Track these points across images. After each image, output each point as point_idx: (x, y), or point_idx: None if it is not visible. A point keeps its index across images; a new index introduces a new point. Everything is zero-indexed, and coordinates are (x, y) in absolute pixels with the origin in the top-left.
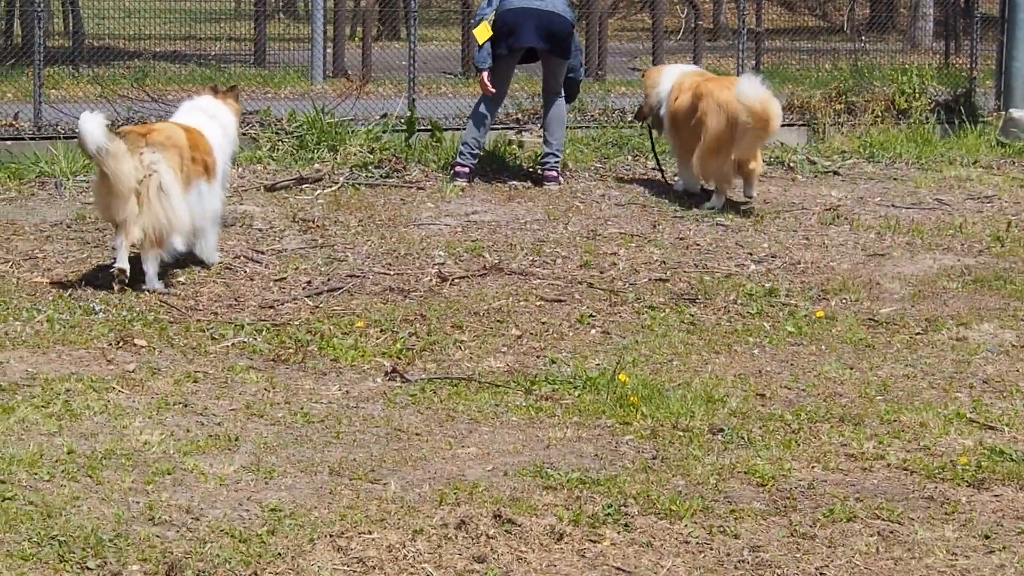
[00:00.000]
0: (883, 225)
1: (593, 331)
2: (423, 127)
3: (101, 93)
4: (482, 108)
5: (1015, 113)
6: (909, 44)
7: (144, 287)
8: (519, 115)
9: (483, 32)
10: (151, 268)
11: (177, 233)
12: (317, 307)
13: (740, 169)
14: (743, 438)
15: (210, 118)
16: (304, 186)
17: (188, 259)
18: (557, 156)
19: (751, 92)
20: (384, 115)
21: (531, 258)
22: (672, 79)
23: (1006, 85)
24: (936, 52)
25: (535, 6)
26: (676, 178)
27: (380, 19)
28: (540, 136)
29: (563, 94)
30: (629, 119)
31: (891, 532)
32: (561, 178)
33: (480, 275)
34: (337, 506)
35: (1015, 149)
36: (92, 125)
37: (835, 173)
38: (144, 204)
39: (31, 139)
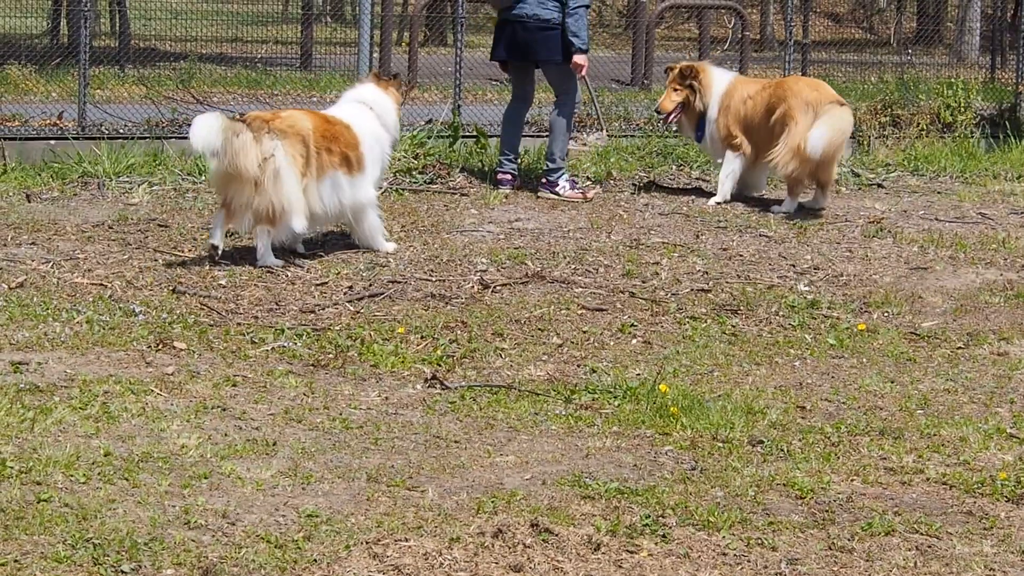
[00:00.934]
0: (926, 239)
1: (634, 341)
2: (468, 133)
3: (146, 94)
4: (510, 111)
5: None
6: (955, 58)
7: (257, 263)
8: None
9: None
10: (261, 244)
11: (292, 215)
12: (358, 312)
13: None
14: (782, 450)
15: (367, 108)
16: None
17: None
18: (548, 166)
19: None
20: (429, 121)
21: (573, 266)
22: (725, 82)
23: None
24: (982, 66)
25: (509, 16)
26: (715, 197)
27: (427, 24)
28: (584, 143)
29: (561, 101)
30: (675, 129)
31: (929, 547)
32: (562, 185)
33: (522, 283)
34: (374, 513)
35: None
36: (205, 130)
37: (879, 186)
38: (259, 186)
39: (75, 139)
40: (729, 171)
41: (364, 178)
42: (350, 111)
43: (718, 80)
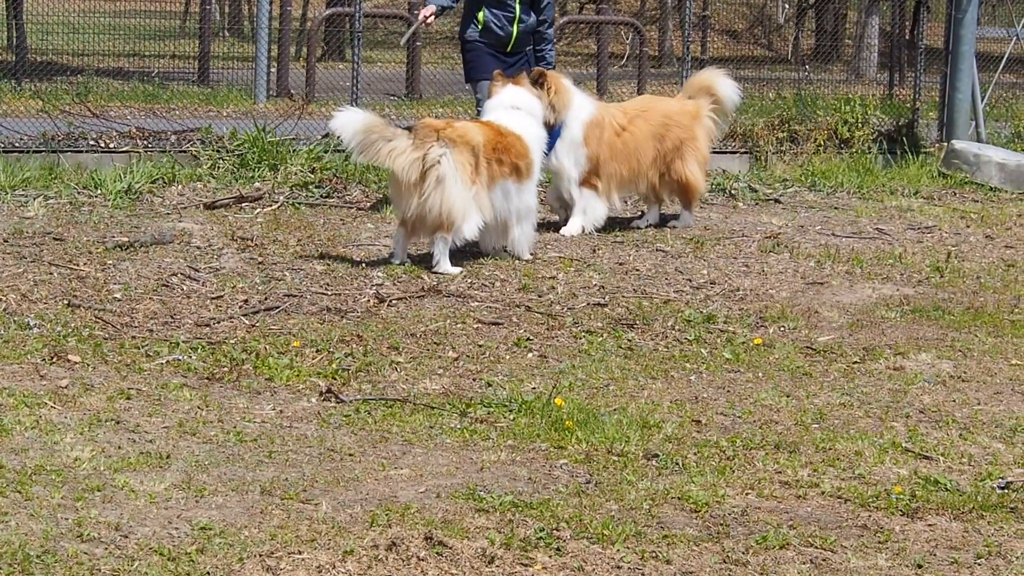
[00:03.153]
0: (823, 254)
1: (530, 355)
2: None
3: (42, 108)
4: None
5: (957, 144)
6: (853, 74)
7: (432, 269)
8: None
9: None
10: (437, 251)
11: (461, 221)
12: (253, 326)
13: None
14: (678, 464)
15: (527, 115)
16: (244, 205)
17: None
18: None
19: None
20: (326, 135)
21: (469, 280)
22: (591, 107)
23: (949, 117)
24: (880, 83)
25: None
26: (574, 223)
27: (325, 40)
28: None
29: None
30: None
31: (824, 560)
32: None
33: (418, 297)
34: (267, 526)
35: (956, 180)
36: (343, 125)
37: (776, 201)
38: (425, 192)
39: None
40: (589, 205)
41: (531, 184)
42: (517, 120)
43: (580, 103)
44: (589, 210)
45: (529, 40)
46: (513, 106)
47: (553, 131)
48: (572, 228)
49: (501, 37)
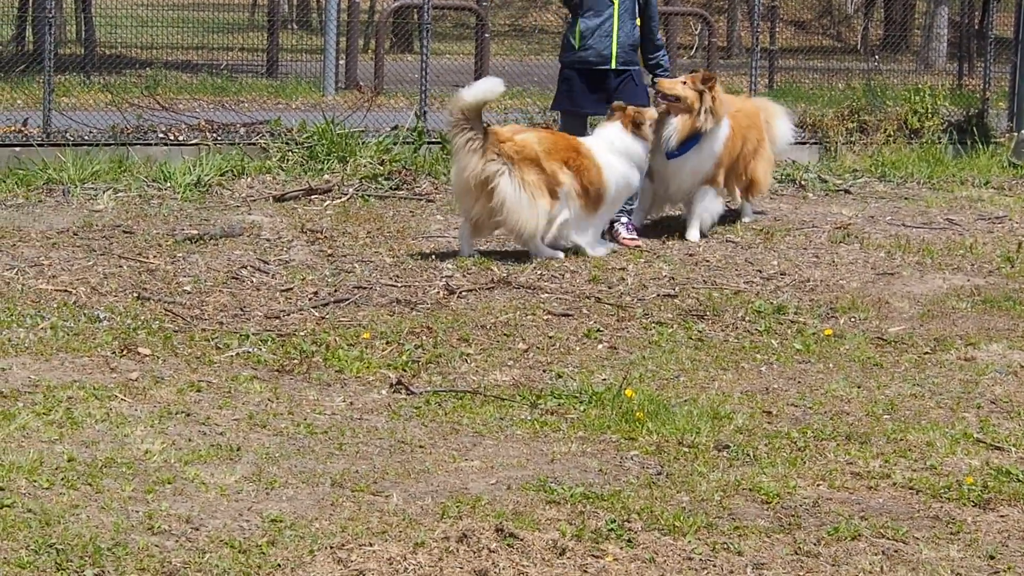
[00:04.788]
0: (893, 244)
1: (600, 346)
2: (433, 139)
3: (111, 101)
4: None
5: None
6: (922, 65)
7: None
8: None
9: None
10: (532, 249)
11: (529, 236)
12: (323, 318)
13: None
14: (749, 455)
15: (620, 153)
16: (313, 197)
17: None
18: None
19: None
20: (395, 127)
21: (539, 272)
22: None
23: (1019, 106)
24: (949, 73)
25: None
26: (694, 226)
27: (393, 31)
28: None
29: None
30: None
31: (896, 551)
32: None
33: (488, 288)
34: (338, 518)
35: None
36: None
37: (846, 191)
38: (492, 204)
39: (39, 146)
40: (711, 205)
41: (599, 212)
42: (604, 151)
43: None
44: (709, 210)
45: (634, 54)
46: (610, 146)
47: (694, 136)
48: (695, 234)
49: (600, 51)
